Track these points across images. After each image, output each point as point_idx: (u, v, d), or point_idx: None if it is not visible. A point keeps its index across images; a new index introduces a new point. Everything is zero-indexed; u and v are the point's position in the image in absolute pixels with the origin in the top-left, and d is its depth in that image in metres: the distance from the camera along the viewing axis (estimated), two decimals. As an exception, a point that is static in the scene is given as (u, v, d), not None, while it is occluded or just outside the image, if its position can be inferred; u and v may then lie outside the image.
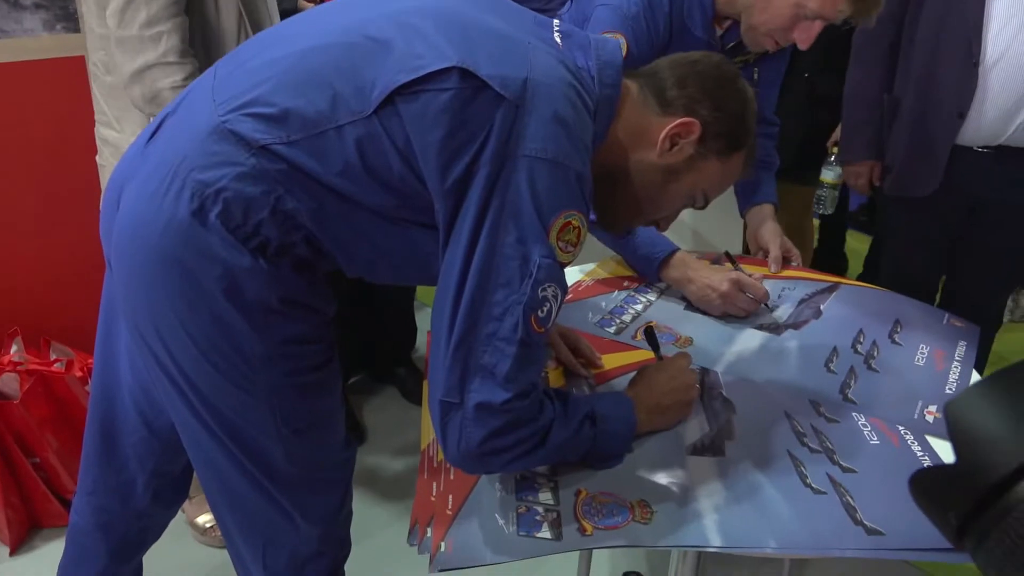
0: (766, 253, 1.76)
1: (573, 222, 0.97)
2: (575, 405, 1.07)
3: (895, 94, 2.08)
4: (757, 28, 1.50)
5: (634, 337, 1.45)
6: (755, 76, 1.74)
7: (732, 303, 1.52)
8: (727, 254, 1.73)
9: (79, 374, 2.01)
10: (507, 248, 0.95)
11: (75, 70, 2.15)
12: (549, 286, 0.97)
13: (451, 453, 1.00)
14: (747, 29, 1.52)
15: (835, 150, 2.77)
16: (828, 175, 2.87)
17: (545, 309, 0.98)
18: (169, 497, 1.36)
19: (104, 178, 1.78)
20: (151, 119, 1.55)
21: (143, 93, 1.53)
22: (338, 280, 1.13)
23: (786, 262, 1.75)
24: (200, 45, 1.61)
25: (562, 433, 1.03)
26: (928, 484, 0.48)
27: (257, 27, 1.65)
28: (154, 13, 1.48)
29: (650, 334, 1.38)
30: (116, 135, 1.70)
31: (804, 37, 1.47)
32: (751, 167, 1.17)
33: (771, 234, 1.76)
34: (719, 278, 1.52)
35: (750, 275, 1.58)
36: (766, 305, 1.56)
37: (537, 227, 0.95)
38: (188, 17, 1.56)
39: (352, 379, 2.66)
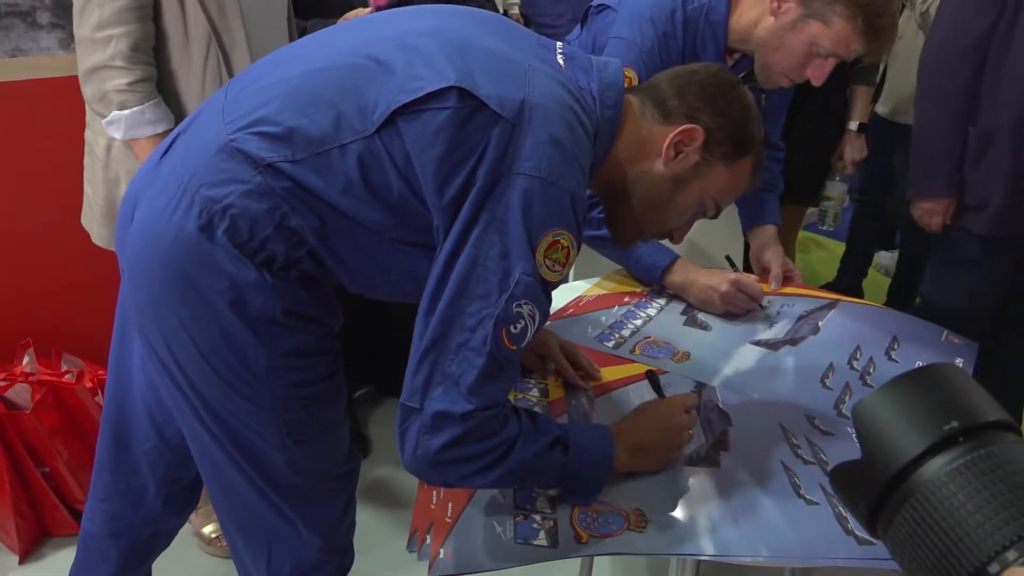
0: (768, 272, 1.79)
1: (562, 241, 0.98)
2: (546, 426, 1.06)
3: (983, 128, 1.89)
4: (771, 67, 1.53)
5: (632, 352, 1.47)
6: (763, 103, 1.77)
7: (732, 302, 1.58)
8: (728, 258, 1.78)
9: (89, 385, 2.04)
10: (489, 261, 0.96)
11: (89, 88, 2.19)
12: (526, 303, 0.97)
13: (407, 459, 0.99)
14: (761, 67, 1.55)
15: (840, 165, 2.80)
16: (834, 190, 2.88)
17: (519, 326, 0.97)
18: (180, 504, 1.39)
19: (85, 181, 1.80)
20: (102, 120, 1.59)
21: (92, 93, 1.59)
22: (345, 294, 1.16)
23: (787, 280, 1.78)
24: (162, 56, 1.63)
25: (526, 451, 1.01)
26: (842, 477, 0.52)
27: (224, 48, 1.65)
28: (105, 17, 1.53)
29: (653, 379, 1.35)
30: (90, 135, 1.75)
31: (818, 74, 1.50)
32: (759, 175, 1.18)
33: (773, 254, 1.80)
34: (718, 279, 1.59)
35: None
36: (761, 306, 1.62)
37: (523, 244, 0.96)
38: (153, 26, 1.59)
39: (358, 392, 2.69)
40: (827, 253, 4.07)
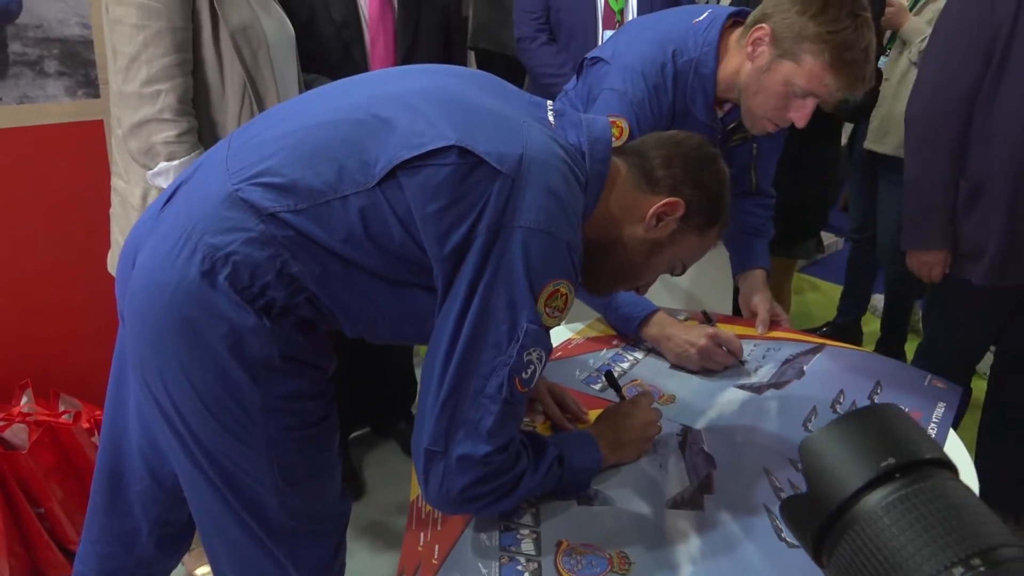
0: (756, 315, 1.82)
1: (561, 289, 1.05)
2: (544, 454, 1.15)
3: (974, 178, 1.92)
4: (754, 112, 1.58)
5: (600, 388, 1.51)
6: (754, 151, 1.81)
7: (710, 357, 1.58)
8: (704, 313, 1.79)
9: (86, 425, 2.06)
10: (498, 312, 1.02)
11: (93, 133, 2.25)
12: (534, 350, 1.05)
13: (432, 497, 1.07)
14: (746, 113, 1.60)
15: None
16: None
17: (529, 371, 1.05)
18: (173, 546, 1.39)
19: (113, 228, 1.87)
20: (147, 171, 1.64)
21: (139, 146, 1.64)
22: (339, 338, 1.19)
23: (774, 324, 1.81)
24: (202, 107, 1.70)
25: (532, 481, 1.12)
26: (791, 510, 0.56)
27: (259, 96, 1.73)
28: (154, 72, 1.60)
29: (610, 378, 1.46)
30: (124, 185, 1.80)
31: (799, 116, 1.54)
32: (723, 235, 1.26)
33: (761, 299, 1.83)
34: (696, 334, 1.59)
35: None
36: (741, 362, 1.62)
37: (527, 294, 1.02)
38: (192, 79, 1.66)
39: (354, 434, 2.70)
40: (822, 295, 4.12)
